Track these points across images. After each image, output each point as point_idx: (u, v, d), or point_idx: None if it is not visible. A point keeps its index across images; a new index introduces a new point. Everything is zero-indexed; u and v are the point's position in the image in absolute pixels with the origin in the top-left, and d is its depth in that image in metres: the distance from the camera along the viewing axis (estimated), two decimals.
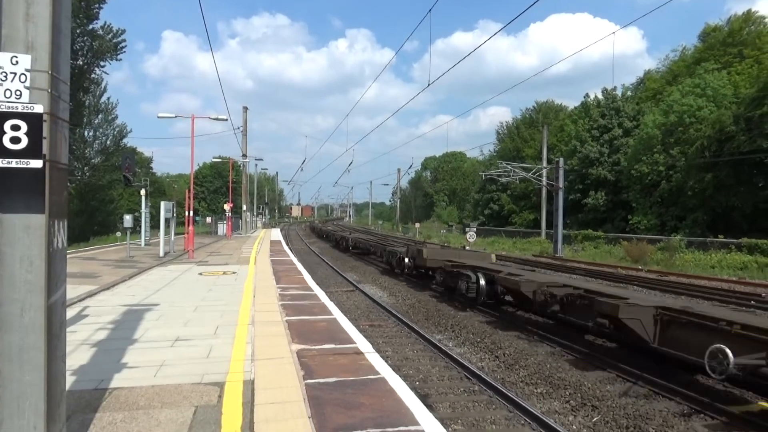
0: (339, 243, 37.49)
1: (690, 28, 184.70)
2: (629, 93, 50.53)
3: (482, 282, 12.63)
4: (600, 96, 48.15)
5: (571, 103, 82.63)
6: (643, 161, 37.40)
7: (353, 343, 6.54)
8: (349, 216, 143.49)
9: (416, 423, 4.02)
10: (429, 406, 5.81)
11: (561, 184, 32.30)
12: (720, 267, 23.57)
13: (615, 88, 47.78)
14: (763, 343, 5.95)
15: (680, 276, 20.88)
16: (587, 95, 50.90)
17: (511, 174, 39.51)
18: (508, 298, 12.83)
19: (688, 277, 20.63)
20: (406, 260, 18.52)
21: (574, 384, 7.61)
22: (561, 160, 34.12)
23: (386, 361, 6.00)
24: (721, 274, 21.89)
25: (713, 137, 31.36)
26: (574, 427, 6.24)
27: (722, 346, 6.01)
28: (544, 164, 39.52)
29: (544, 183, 37.11)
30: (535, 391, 7.47)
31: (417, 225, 62.19)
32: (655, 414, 6.47)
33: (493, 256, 17.19)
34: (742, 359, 5.92)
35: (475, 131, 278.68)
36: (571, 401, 7.00)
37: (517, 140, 63.46)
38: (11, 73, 2.64)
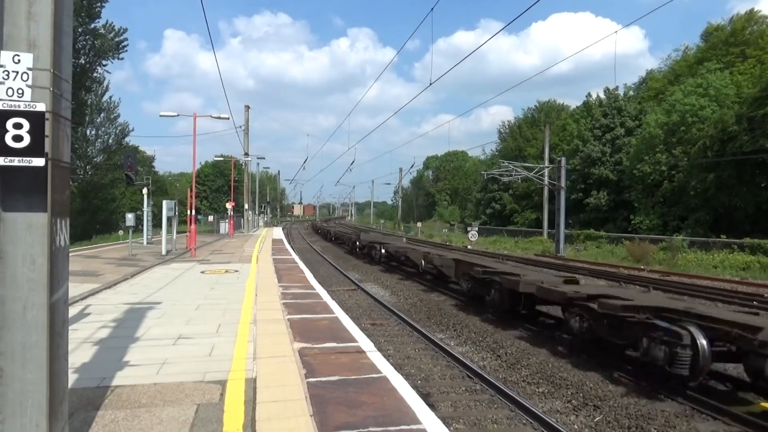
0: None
1: (691, 28, 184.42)
2: (631, 92, 50.50)
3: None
4: (602, 95, 48.13)
5: (573, 102, 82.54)
6: (646, 161, 37.35)
7: (355, 341, 6.54)
8: (351, 215, 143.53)
9: (418, 422, 4.02)
10: (431, 405, 5.80)
11: (563, 184, 32.26)
12: (722, 267, 23.51)
13: (617, 88, 47.81)
14: None
15: (682, 276, 20.85)
16: (589, 95, 50.92)
17: (513, 173, 39.49)
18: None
19: (691, 277, 20.60)
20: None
21: (576, 383, 7.60)
22: (563, 159, 34.08)
23: (388, 360, 6.00)
24: (724, 274, 21.84)
25: (716, 137, 31.29)
26: (576, 426, 6.23)
27: None
28: (546, 164, 39.47)
29: (546, 182, 37.08)
30: (537, 390, 7.47)
31: (419, 224, 62.22)
32: (657, 414, 6.46)
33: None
34: None
35: (477, 130, 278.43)
36: (573, 401, 6.99)
37: (519, 139, 63.43)
38: (13, 71, 2.64)
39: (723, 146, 30.71)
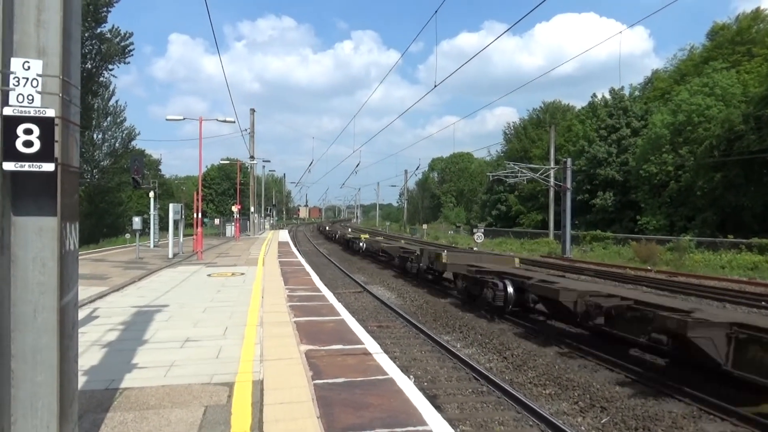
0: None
1: (696, 27, 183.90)
2: (637, 93, 50.27)
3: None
4: (607, 96, 47.96)
5: (578, 103, 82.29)
6: (652, 161, 37.19)
7: (361, 343, 6.56)
8: (357, 217, 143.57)
9: (424, 423, 4.03)
10: (437, 407, 5.81)
11: (569, 185, 32.18)
12: (730, 267, 23.38)
13: (622, 88, 47.60)
14: None
15: (690, 276, 20.75)
16: (594, 95, 50.73)
17: (519, 175, 39.42)
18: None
19: (698, 277, 20.49)
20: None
21: (582, 385, 7.59)
22: (569, 160, 34.00)
23: (394, 362, 6.01)
24: (731, 274, 21.72)
25: (722, 136, 31.13)
26: (583, 428, 6.22)
27: None
28: (552, 165, 39.38)
29: (552, 184, 36.99)
30: (544, 392, 7.46)
31: (424, 226, 62.17)
32: (664, 415, 6.44)
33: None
34: None
35: (482, 132, 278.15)
36: (580, 402, 6.98)
37: (524, 141, 63.31)
38: (23, 78, 2.68)
39: (730, 146, 30.54)
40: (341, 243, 39.71)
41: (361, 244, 29.77)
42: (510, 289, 11.61)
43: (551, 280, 11.04)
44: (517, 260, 16.19)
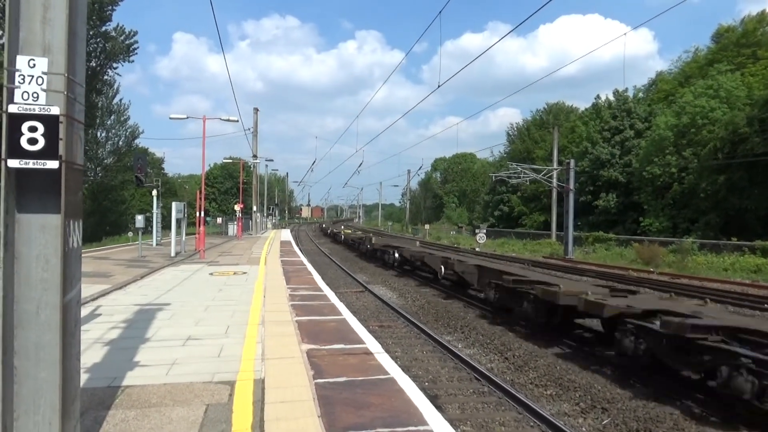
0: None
1: (701, 29, 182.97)
2: (641, 94, 50.18)
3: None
4: (611, 97, 47.87)
5: (582, 104, 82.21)
6: (655, 163, 37.10)
7: (363, 343, 6.56)
8: (359, 217, 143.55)
9: (425, 423, 4.03)
10: (438, 407, 5.82)
11: (572, 186, 32.14)
12: (733, 270, 23.31)
13: (626, 90, 47.51)
14: None
15: (692, 279, 20.70)
16: (598, 96, 50.62)
17: (522, 175, 39.38)
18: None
19: (701, 279, 20.44)
20: None
21: (584, 386, 7.58)
22: (572, 161, 33.94)
23: (396, 362, 6.01)
24: (734, 276, 21.66)
25: (726, 139, 31.04)
26: (584, 429, 6.22)
27: None
28: (555, 166, 39.33)
29: (555, 184, 36.95)
30: (545, 392, 7.45)
31: (427, 226, 62.16)
32: (666, 417, 6.43)
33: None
34: None
35: (485, 133, 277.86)
36: (581, 403, 6.97)
37: (527, 141, 63.20)
38: (29, 75, 2.69)
39: (734, 148, 30.46)
40: (330, 236, 52.55)
41: (342, 236, 42.00)
42: (396, 255, 20.84)
43: (426, 251, 18.57)
44: (417, 242, 27.61)
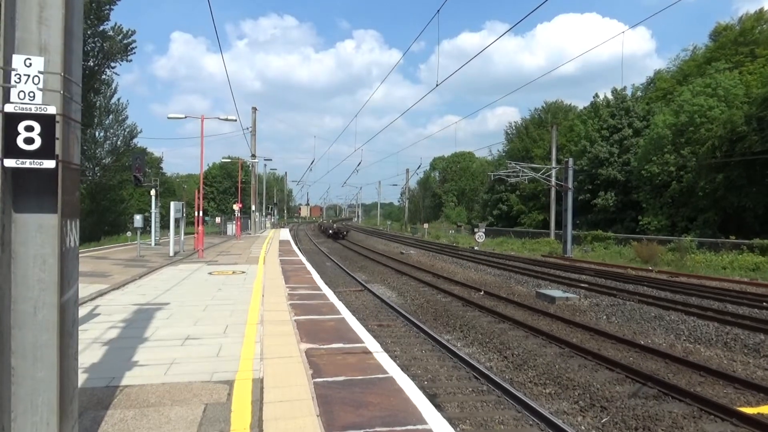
0: None
1: (698, 28, 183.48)
2: (639, 93, 50.17)
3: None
4: (609, 96, 47.86)
5: (580, 103, 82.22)
6: (654, 161, 37.13)
7: (362, 342, 6.56)
8: (358, 216, 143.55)
9: (424, 422, 4.03)
10: (437, 406, 5.82)
11: (570, 185, 32.16)
12: (731, 268, 23.35)
13: (625, 88, 47.45)
14: None
15: (691, 277, 20.73)
16: (596, 95, 50.60)
17: (520, 174, 39.38)
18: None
19: (699, 278, 20.48)
20: None
21: (582, 385, 7.59)
22: (570, 160, 33.96)
23: (395, 361, 6.00)
24: (733, 275, 21.70)
25: (724, 137, 31.07)
26: (583, 428, 6.22)
27: None
28: (554, 164, 39.34)
29: (554, 183, 36.96)
30: (544, 391, 7.46)
31: (426, 225, 62.14)
32: (664, 415, 6.44)
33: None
34: None
35: (484, 131, 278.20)
36: (580, 402, 6.98)
37: (525, 140, 63.20)
38: (25, 75, 2.68)
39: (732, 146, 30.49)
40: (321, 229, 63.81)
41: (324, 227, 60.65)
42: (329, 230, 53.86)
43: (332, 224, 59.01)
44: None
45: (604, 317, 12.90)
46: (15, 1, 2.68)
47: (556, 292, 15.45)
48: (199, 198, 23.20)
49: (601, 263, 26.35)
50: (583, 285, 17.50)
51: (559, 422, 5.95)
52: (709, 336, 10.69)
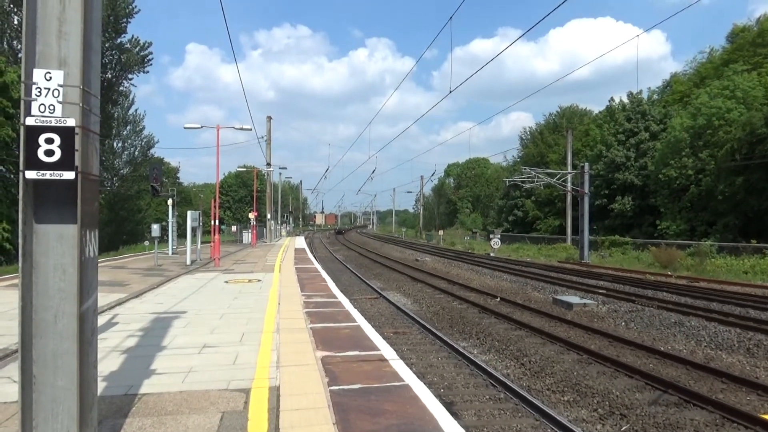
0: None
1: (713, 30, 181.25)
2: (655, 96, 49.68)
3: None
4: (625, 100, 47.45)
5: (595, 107, 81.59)
6: (671, 165, 36.67)
7: (377, 350, 6.55)
8: (373, 224, 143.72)
9: (441, 430, 4.00)
10: (454, 414, 5.78)
11: (587, 189, 31.88)
12: (753, 272, 22.90)
13: (640, 92, 47.02)
14: None
15: (711, 282, 20.38)
16: (612, 99, 50.19)
17: (535, 180, 39.13)
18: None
19: (720, 282, 20.12)
20: None
21: (601, 392, 7.49)
22: (586, 164, 33.67)
23: (410, 368, 5.98)
24: (755, 279, 21.29)
25: (744, 140, 30.61)
26: None
27: None
28: (569, 169, 39.04)
29: (569, 188, 36.67)
30: (562, 399, 7.37)
31: (440, 232, 62.00)
32: (686, 423, 6.33)
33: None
34: None
35: (498, 137, 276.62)
36: (599, 409, 6.89)
37: (540, 145, 62.90)
38: (45, 88, 2.74)
39: (752, 149, 30.01)
40: (337, 232, 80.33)
41: (336, 230, 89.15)
42: (339, 231, 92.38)
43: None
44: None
45: (623, 323, 12.73)
46: (35, 16, 2.74)
47: (573, 299, 15.29)
48: (215, 207, 23.40)
49: (618, 269, 26.03)
50: (600, 291, 17.31)
51: (578, 431, 5.87)
52: (731, 342, 10.49)
